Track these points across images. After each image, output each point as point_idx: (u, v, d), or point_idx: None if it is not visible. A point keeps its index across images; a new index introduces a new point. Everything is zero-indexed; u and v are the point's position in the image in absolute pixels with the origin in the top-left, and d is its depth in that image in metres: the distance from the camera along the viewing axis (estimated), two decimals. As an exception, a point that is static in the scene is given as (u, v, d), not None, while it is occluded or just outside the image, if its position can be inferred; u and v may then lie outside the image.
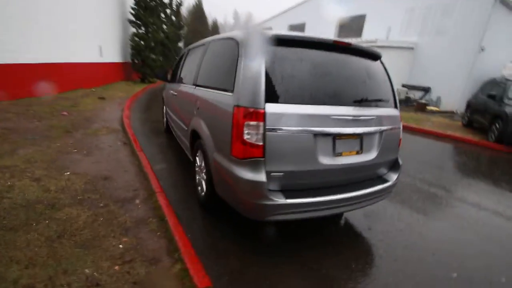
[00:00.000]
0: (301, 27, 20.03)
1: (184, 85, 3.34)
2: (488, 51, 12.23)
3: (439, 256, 2.25)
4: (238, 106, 1.85)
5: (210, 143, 2.25)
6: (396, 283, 1.91)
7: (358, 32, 16.37)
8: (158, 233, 2.11)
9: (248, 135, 1.80)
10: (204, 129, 2.38)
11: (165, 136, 5.03)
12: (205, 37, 3.31)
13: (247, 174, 1.83)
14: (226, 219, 2.47)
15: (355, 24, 16.58)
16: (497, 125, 6.44)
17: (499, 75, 11.31)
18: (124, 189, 2.78)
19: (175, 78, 4.31)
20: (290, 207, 1.87)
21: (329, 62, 2.13)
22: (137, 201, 2.56)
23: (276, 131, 1.81)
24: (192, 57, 3.40)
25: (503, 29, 12.13)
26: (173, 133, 4.21)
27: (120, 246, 1.92)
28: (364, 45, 2.33)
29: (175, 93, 3.68)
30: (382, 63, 2.49)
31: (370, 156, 2.21)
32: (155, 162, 3.55)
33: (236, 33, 2.18)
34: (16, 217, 2.07)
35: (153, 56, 13.28)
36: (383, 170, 2.45)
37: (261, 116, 1.78)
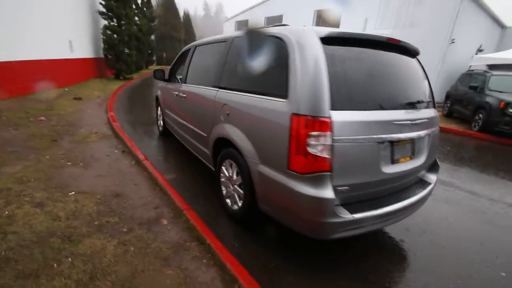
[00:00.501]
0: (278, 19, 19.82)
1: (196, 86, 3.03)
2: (457, 43, 12.96)
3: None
4: (298, 115, 1.65)
5: (252, 154, 2.02)
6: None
7: (336, 25, 16.55)
8: (204, 261, 1.86)
9: (313, 148, 1.61)
10: (241, 138, 2.14)
11: (163, 140, 4.64)
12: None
13: (310, 190, 1.65)
14: (270, 235, 2.27)
15: (332, 16, 16.73)
16: (480, 115, 6.81)
17: (467, 67, 12.09)
18: (143, 208, 2.46)
19: (176, 78, 3.96)
20: (356, 223, 1.73)
21: (381, 62, 1.99)
22: (165, 222, 2.27)
23: (342, 141, 1.63)
24: (206, 55, 3.08)
25: (471, 22, 12.88)
26: (177, 137, 3.88)
27: (168, 282, 1.65)
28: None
29: (183, 95, 3.34)
30: (418, 60, 2.40)
31: (421, 160, 2.12)
32: (163, 172, 3.21)
33: (281, 31, 1.94)
34: (31, 258, 1.70)
35: (127, 51, 12.37)
36: (423, 172, 2.39)
37: (327, 125, 1.59)
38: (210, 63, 2.81)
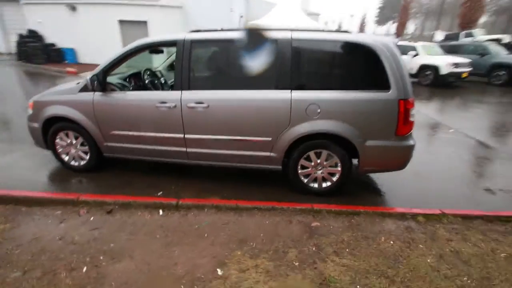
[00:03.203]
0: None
1: (234, 91, 2.70)
2: (234, 12, 16.09)
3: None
4: (402, 99, 2.53)
5: (357, 136, 2.63)
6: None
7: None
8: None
9: (411, 117, 2.62)
10: (342, 127, 2.60)
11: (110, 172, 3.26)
12: None
13: (407, 142, 2.70)
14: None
15: None
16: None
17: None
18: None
19: (138, 84, 2.90)
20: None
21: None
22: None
23: (412, 110, 2.75)
24: (235, 57, 2.71)
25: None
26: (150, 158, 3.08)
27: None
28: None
29: (197, 104, 2.70)
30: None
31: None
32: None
33: (366, 40, 2.51)
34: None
35: None
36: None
37: (413, 102, 2.62)
38: (261, 66, 2.60)
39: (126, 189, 2.98)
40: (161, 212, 2.54)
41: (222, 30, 2.85)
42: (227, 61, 2.91)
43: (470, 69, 9.91)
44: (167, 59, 4.42)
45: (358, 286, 1.78)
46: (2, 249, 2.10)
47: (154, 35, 3.13)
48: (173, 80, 4.49)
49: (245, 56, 2.59)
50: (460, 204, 2.86)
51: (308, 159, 2.83)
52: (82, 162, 3.31)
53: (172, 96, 2.79)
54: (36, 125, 3.22)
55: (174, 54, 4.42)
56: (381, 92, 2.56)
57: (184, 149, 2.94)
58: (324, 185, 2.92)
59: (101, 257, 2.01)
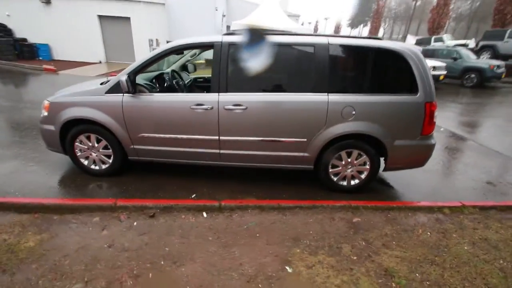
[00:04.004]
0: None
1: (276, 94, 2.79)
2: (219, 11, 15.95)
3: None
4: (428, 102, 2.75)
5: (387, 136, 2.80)
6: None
7: None
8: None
9: (434, 118, 2.85)
10: (373, 128, 2.77)
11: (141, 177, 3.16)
12: None
13: (430, 141, 2.92)
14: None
15: None
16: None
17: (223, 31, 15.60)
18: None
19: (170, 86, 2.84)
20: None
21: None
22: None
23: (434, 112, 2.99)
24: (286, 59, 2.81)
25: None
26: (183, 161, 3.05)
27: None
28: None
29: (236, 107, 2.72)
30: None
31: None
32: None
33: (398, 47, 2.69)
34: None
35: None
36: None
37: (436, 104, 2.86)
38: (296, 68, 2.71)
39: (159, 192, 2.92)
40: (205, 214, 2.54)
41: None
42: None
43: (445, 72, 10.75)
44: (178, 60, 4.35)
45: (417, 274, 1.94)
46: (49, 260, 1.99)
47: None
48: (189, 80, 4.50)
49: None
50: (470, 196, 3.16)
51: (339, 158, 2.97)
52: (104, 166, 3.18)
53: (208, 98, 2.78)
54: (52, 127, 3.04)
55: (185, 56, 4.46)
56: (409, 95, 2.76)
57: (217, 151, 2.95)
58: (352, 182, 3.08)
59: (162, 262, 1.99)
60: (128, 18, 12.85)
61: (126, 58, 12.83)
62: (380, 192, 3.23)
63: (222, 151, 2.95)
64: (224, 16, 16.93)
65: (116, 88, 2.84)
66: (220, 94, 2.76)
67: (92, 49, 13.11)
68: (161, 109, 2.87)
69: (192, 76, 4.63)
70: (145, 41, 12.91)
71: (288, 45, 2.80)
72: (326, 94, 2.74)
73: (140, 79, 3.25)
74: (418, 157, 3.01)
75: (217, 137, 2.87)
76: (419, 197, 3.08)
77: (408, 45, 2.81)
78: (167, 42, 13.19)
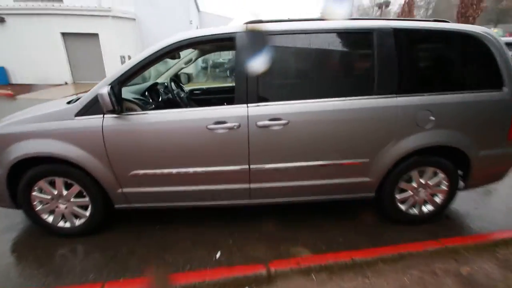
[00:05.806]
0: None
1: (327, 101, 1.96)
2: (193, 25, 15.29)
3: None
4: (517, 99, 2.11)
5: (470, 146, 2.12)
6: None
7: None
8: None
9: (523, 119, 2.21)
10: (459, 136, 2.07)
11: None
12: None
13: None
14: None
15: None
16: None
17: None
18: None
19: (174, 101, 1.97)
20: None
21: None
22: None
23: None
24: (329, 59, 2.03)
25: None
26: (200, 203, 2.16)
27: None
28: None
29: (280, 121, 1.92)
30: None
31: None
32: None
33: (476, 29, 2.04)
34: None
35: None
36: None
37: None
38: (348, 63, 1.97)
39: (166, 255, 1.98)
40: (247, 291, 1.64)
41: (290, 20, 2.12)
42: (311, 61, 2.14)
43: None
44: (171, 68, 3.46)
45: None
46: None
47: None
48: (185, 93, 3.60)
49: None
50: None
51: (409, 180, 2.23)
52: (79, 222, 2.19)
53: (233, 112, 1.94)
54: (-5, 171, 2.03)
55: (176, 64, 3.57)
56: (493, 91, 2.10)
57: (246, 185, 2.09)
58: (425, 210, 2.34)
59: None
60: (96, 35, 11.71)
61: (96, 77, 11.54)
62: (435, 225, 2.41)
63: (252, 185, 2.09)
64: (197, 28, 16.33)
65: (91, 107, 1.92)
66: (249, 105, 1.93)
67: (55, 69, 11.75)
68: (164, 133, 1.97)
69: (187, 88, 3.74)
70: (117, 58, 11.79)
71: (337, 32, 2.05)
72: (394, 95, 2.01)
73: (127, 92, 2.35)
74: (501, 169, 2.35)
75: (246, 167, 2.02)
76: (492, 226, 2.37)
77: (483, 28, 2.18)
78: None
